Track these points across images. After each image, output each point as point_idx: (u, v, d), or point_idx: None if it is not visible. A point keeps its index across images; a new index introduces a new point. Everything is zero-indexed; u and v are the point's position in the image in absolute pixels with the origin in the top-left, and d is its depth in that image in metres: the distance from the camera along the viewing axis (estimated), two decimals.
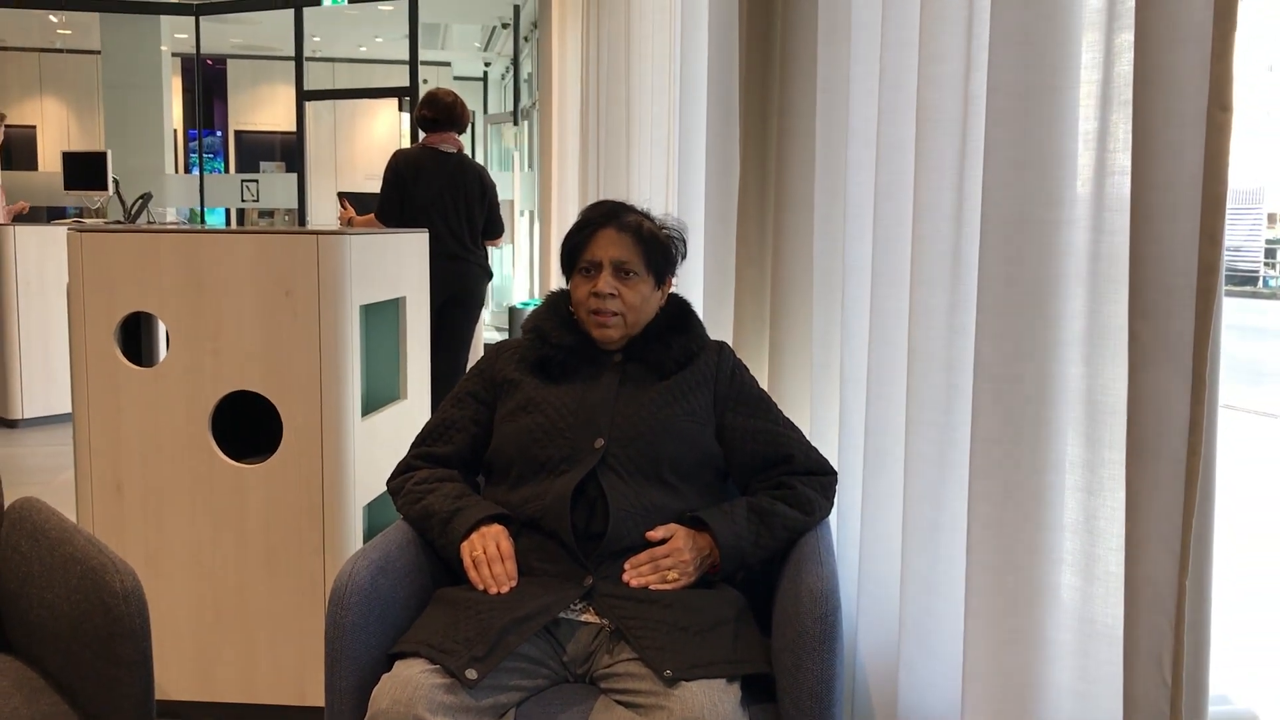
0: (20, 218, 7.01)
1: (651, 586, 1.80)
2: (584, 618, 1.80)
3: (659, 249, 2.03)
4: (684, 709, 1.55)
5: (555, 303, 2.10)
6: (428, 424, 2.08)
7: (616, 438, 1.91)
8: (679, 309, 2.10)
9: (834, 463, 2.07)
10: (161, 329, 3.27)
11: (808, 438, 2.06)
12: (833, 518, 2.03)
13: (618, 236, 2.01)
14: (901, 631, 1.77)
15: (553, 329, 2.04)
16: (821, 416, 2.21)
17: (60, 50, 14.91)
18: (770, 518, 1.89)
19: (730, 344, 2.25)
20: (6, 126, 6.92)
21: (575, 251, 2.04)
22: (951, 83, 1.65)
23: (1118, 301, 1.38)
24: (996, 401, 1.47)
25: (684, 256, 2.11)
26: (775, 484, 1.96)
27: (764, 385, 2.35)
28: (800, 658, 1.63)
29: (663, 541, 1.85)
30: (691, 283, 3.00)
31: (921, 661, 1.74)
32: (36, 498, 2.05)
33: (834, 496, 2.00)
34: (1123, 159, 1.37)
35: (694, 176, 3.11)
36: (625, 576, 1.81)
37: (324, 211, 10.58)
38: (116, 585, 1.69)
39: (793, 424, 2.04)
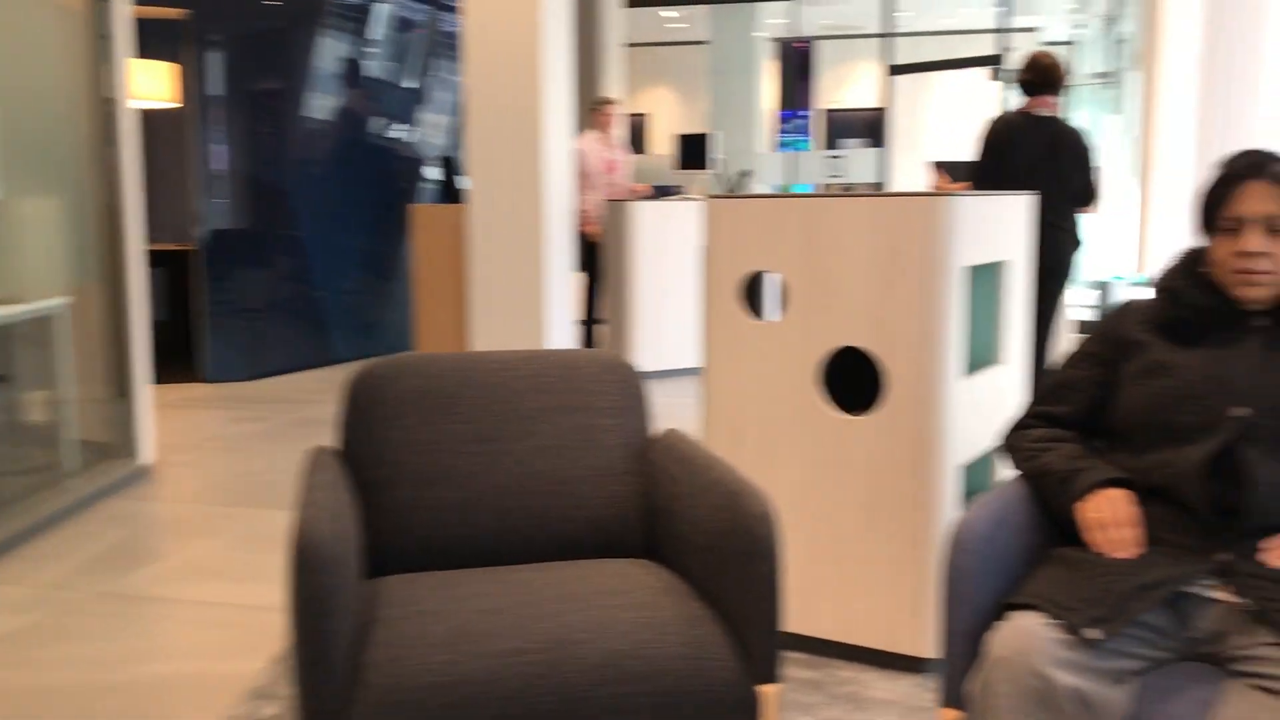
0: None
1: None
2: (1216, 594, 1.69)
3: None
4: None
5: (1188, 261, 1.97)
6: (1045, 383, 2.06)
7: (1260, 408, 1.76)
8: None
9: None
10: (772, 289, 3.53)
11: None
12: None
13: (1267, 189, 1.83)
14: None
15: (1186, 288, 1.92)
16: None
17: (676, 43, 16.47)
18: None
19: None
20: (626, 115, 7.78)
21: (1215, 207, 1.89)
22: None
23: None
24: None
25: None
26: None
27: None
28: None
29: None
30: None
31: None
32: (680, 430, 2.33)
33: None
34: None
35: None
36: (1266, 555, 1.67)
37: (905, 183, 10.71)
38: (755, 509, 1.88)
39: None
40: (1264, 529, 1.71)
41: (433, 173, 8.56)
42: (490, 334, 5.41)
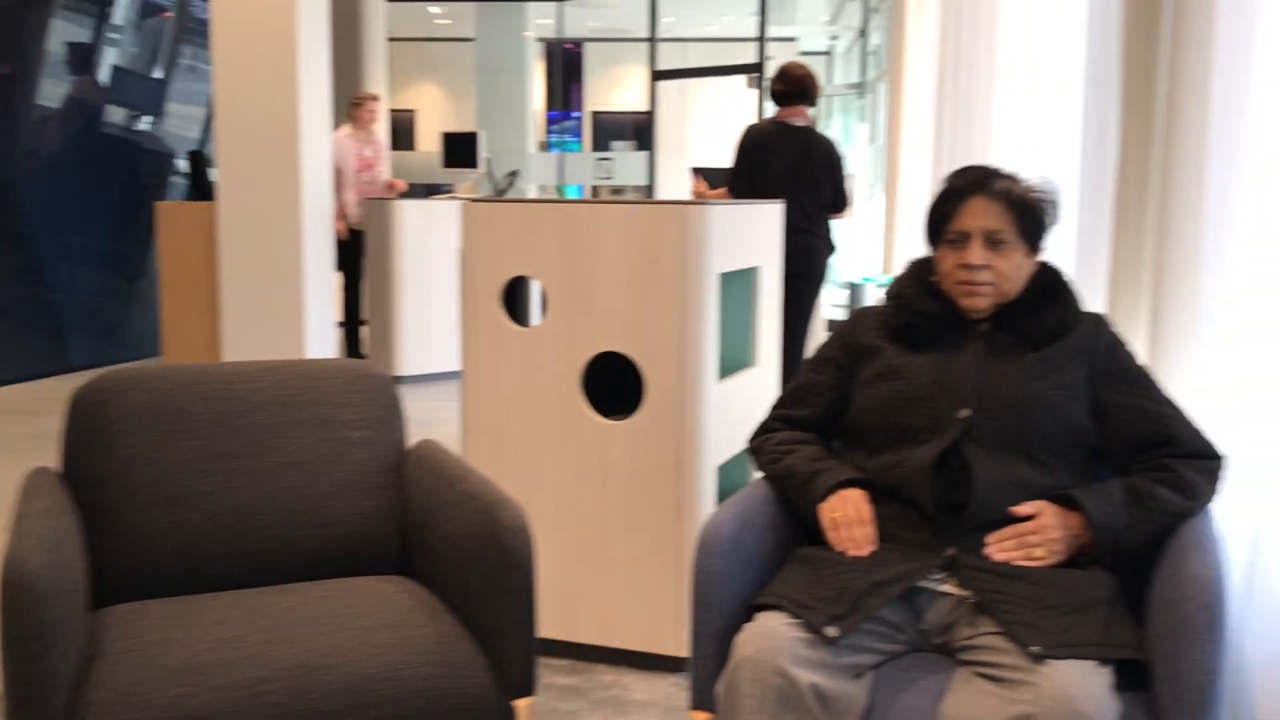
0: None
1: (1015, 562, 1.75)
2: (944, 588, 1.78)
3: (1031, 215, 1.96)
4: (1053, 688, 1.51)
5: (918, 269, 2.07)
6: (788, 387, 2.12)
7: (982, 409, 1.87)
8: (1051, 278, 2.01)
9: (1220, 446, 1.92)
10: (535, 294, 3.51)
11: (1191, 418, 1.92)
12: (1216, 505, 1.89)
13: (987, 205, 1.94)
14: None
15: (915, 295, 2.02)
16: (1208, 396, 2.06)
17: (441, 39, 16.22)
18: (1148, 500, 1.78)
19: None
20: (391, 111, 7.60)
21: (940, 220, 2.00)
22: None
23: None
24: None
25: (1056, 221, 2.02)
26: (1155, 466, 1.84)
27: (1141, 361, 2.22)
28: (1181, 646, 1.54)
29: (1028, 519, 1.79)
30: (1058, 251, 2.86)
31: None
32: (435, 440, 2.28)
33: (1220, 482, 1.85)
34: None
35: (1064, 141, 2.96)
36: (988, 550, 1.78)
37: (672, 187, 10.94)
38: (509, 521, 1.85)
39: (1175, 403, 1.91)
40: (987, 524, 1.81)
41: (183, 168, 8.10)
42: (244, 340, 5.16)
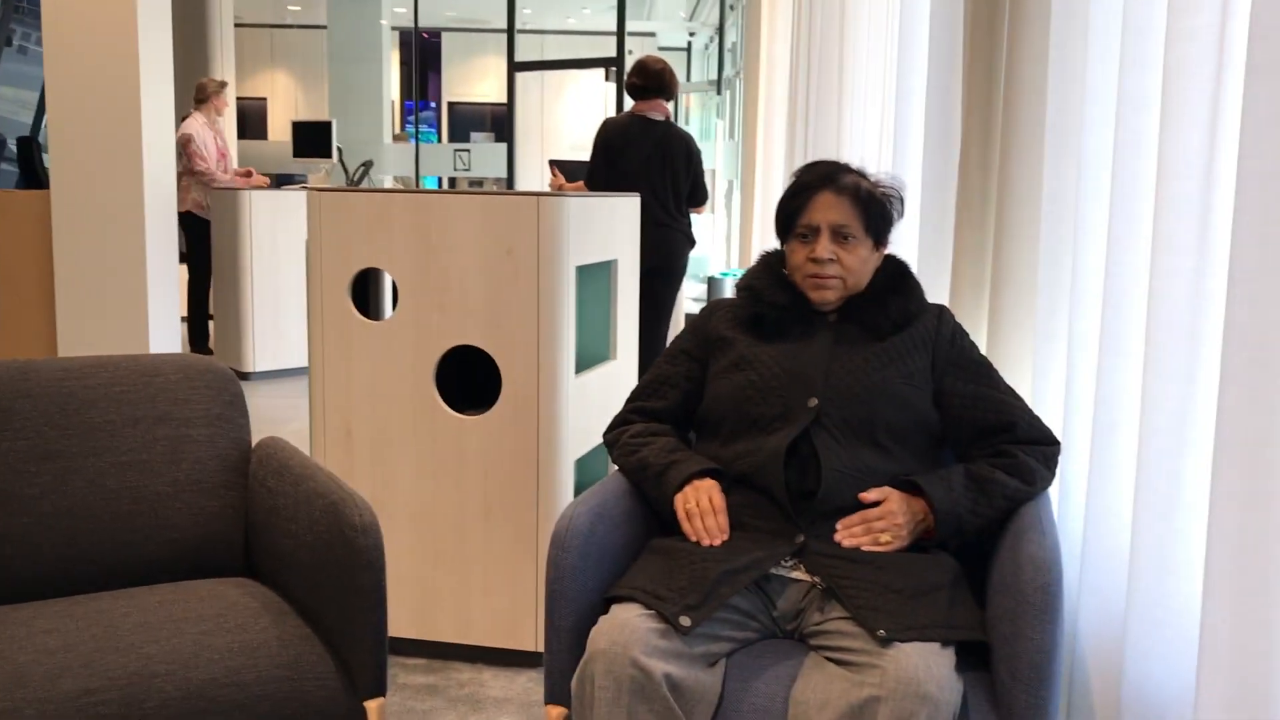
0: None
1: (863, 548, 1.79)
2: (795, 574, 1.81)
3: (877, 209, 2.00)
4: (898, 670, 1.54)
5: (769, 262, 2.10)
6: (643, 379, 2.12)
7: (831, 398, 1.90)
8: (896, 270, 2.07)
9: (1056, 432, 2.00)
10: (387, 286, 3.44)
11: (1029, 406, 2.00)
12: (1053, 489, 1.97)
13: (835, 200, 1.98)
14: (1129, 607, 1.70)
15: (766, 287, 2.04)
16: (1044, 384, 2.14)
17: (291, 25, 15.77)
18: (989, 485, 1.84)
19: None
20: (240, 98, 7.38)
21: (791, 216, 2.03)
22: (1205, 33, 1.56)
23: None
24: (1250, 370, 1.39)
25: (901, 215, 2.07)
26: (995, 452, 1.91)
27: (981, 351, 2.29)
28: (1019, 626, 1.59)
29: (876, 504, 1.84)
30: (904, 246, 2.94)
31: (1151, 638, 1.67)
32: (280, 437, 2.20)
33: (1056, 467, 1.93)
34: None
35: (910, 138, 3.04)
36: (837, 536, 1.81)
37: (531, 180, 10.87)
38: (356, 519, 1.80)
39: (1014, 391, 1.98)
40: (836, 511, 1.84)
41: (13, 154, 7.68)
42: (82, 335, 4.91)
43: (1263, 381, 1.38)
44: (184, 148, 6.83)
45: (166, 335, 5.06)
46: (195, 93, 7.11)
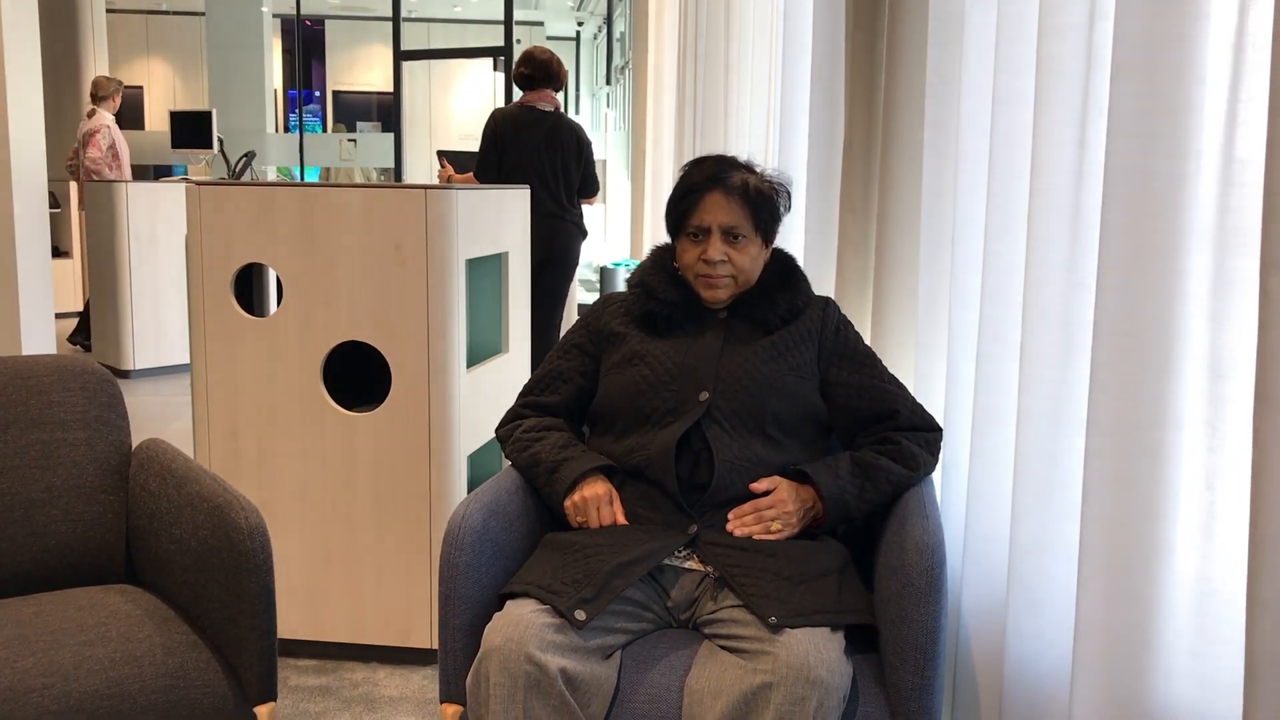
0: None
1: (755, 536, 1.82)
2: (688, 565, 1.83)
3: (766, 207, 2.02)
4: (789, 655, 1.57)
5: (660, 258, 2.11)
6: (535, 374, 2.12)
7: (721, 391, 1.92)
8: (784, 264, 2.10)
9: (939, 419, 2.06)
10: (272, 282, 3.36)
11: (912, 394, 2.05)
12: (936, 474, 2.02)
13: (725, 200, 1.99)
14: (1010, 588, 1.76)
15: (658, 284, 2.05)
16: (926, 373, 2.20)
17: (166, 12, 15.27)
18: (874, 472, 1.89)
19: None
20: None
21: (682, 216, 2.03)
22: (1074, 33, 1.61)
23: (1246, 255, 1.35)
24: (1117, 357, 1.45)
25: (789, 209, 2.10)
26: (880, 439, 1.95)
27: (866, 341, 2.34)
28: (905, 610, 1.64)
29: (766, 493, 1.86)
30: (791, 237, 2.99)
31: (1030, 618, 1.73)
32: (161, 439, 2.14)
33: (939, 453, 1.99)
34: (1255, 109, 1.33)
35: (796, 131, 3.09)
36: (729, 526, 1.84)
37: (420, 170, 10.73)
38: (241, 522, 1.76)
39: (898, 380, 2.03)
40: (728, 501, 1.87)
41: None
42: None
43: (1131, 367, 1.44)
44: (89, 137, 6.70)
45: (40, 335, 4.86)
46: (93, 89, 6.99)
